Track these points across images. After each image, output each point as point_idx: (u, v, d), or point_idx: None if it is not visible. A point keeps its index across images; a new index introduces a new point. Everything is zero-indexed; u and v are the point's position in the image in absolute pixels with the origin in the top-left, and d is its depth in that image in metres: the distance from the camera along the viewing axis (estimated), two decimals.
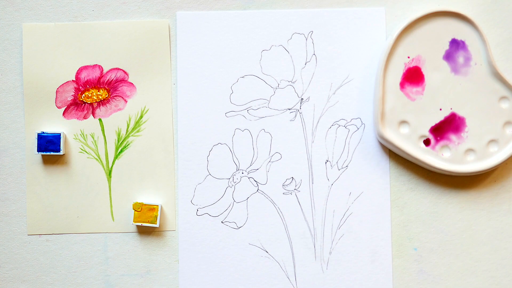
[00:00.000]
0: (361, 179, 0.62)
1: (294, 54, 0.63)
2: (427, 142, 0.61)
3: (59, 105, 0.63)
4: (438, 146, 0.61)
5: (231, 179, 0.62)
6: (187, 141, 0.63)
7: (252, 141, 0.63)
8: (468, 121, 0.61)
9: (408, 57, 0.61)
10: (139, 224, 0.61)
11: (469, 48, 0.61)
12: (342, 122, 0.63)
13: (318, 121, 0.63)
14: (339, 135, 0.63)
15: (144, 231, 0.63)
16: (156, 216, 0.61)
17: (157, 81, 0.63)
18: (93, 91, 0.63)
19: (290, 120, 0.63)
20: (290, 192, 0.63)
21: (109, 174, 0.63)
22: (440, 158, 0.61)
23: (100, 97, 0.63)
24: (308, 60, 0.63)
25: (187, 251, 0.62)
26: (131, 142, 0.63)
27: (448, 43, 0.61)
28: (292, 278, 0.62)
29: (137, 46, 0.63)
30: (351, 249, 0.62)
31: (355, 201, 0.62)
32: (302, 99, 0.63)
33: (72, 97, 0.63)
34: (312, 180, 0.62)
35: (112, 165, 0.63)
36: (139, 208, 0.61)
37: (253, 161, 0.63)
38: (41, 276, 0.62)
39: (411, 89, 0.61)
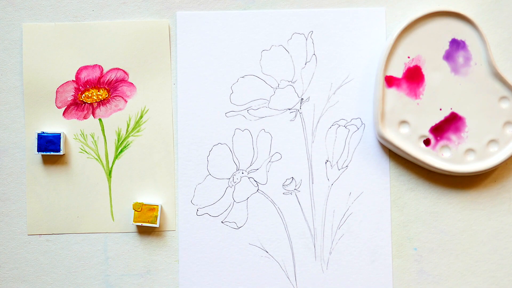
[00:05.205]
0: (361, 179, 0.62)
1: (294, 54, 0.63)
2: (427, 142, 0.61)
3: (59, 105, 0.63)
4: (438, 146, 0.61)
5: (231, 179, 0.62)
6: (187, 141, 0.63)
7: (252, 141, 0.63)
8: (468, 121, 0.61)
9: (408, 57, 0.61)
10: (139, 224, 0.61)
11: (469, 48, 0.61)
12: (342, 122, 0.63)
13: (318, 121, 0.63)
14: (339, 135, 0.63)
15: (144, 231, 0.63)
16: (156, 216, 0.61)
17: (157, 81, 0.63)
18: (93, 91, 0.63)
19: (290, 120, 0.63)
20: (290, 192, 0.62)
21: (109, 174, 0.63)
22: (440, 158, 0.61)
23: (100, 97, 0.63)
24: (308, 60, 0.63)
25: (187, 251, 0.62)
26: (131, 142, 0.63)
27: (448, 43, 0.61)
28: (292, 278, 0.62)
29: (137, 46, 0.63)
30: (351, 249, 0.62)
31: (355, 201, 0.62)
32: (302, 99, 0.63)
33: (72, 97, 0.63)
34: (312, 180, 0.62)
35: (112, 165, 0.63)
36: (139, 208, 0.61)
37: (253, 161, 0.63)
38: (41, 276, 0.62)
39: (411, 89, 0.61)
